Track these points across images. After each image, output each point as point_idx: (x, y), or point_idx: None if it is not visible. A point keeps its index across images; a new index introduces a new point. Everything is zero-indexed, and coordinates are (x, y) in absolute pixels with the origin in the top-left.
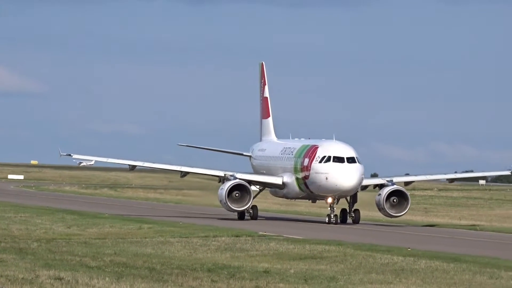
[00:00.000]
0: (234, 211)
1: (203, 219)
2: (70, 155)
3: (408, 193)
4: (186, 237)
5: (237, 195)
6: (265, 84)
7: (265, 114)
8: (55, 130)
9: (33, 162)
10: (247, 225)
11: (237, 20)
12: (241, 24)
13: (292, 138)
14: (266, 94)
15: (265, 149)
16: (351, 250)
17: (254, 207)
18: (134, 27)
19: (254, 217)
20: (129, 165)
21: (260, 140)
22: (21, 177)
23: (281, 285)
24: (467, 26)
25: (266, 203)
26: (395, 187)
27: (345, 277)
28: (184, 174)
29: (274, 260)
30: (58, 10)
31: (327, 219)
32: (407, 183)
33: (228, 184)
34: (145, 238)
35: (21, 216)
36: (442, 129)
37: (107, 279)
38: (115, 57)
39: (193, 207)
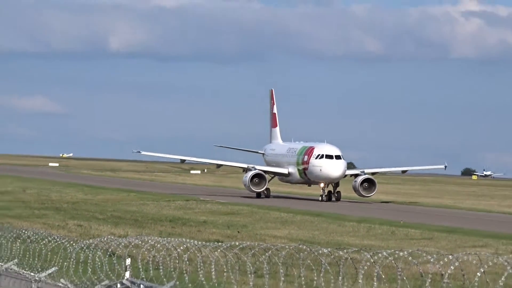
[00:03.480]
0: (254, 192)
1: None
2: (139, 152)
3: (376, 180)
4: (156, 201)
5: (256, 181)
6: (274, 104)
7: (273, 125)
8: None
9: (64, 155)
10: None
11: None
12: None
13: (294, 141)
14: (275, 110)
15: (275, 149)
16: (256, 209)
17: (267, 189)
18: None
19: (268, 196)
20: (180, 159)
21: (270, 142)
22: (57, 164)
23: (214, 229)
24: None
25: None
26: (366, 176)
27: (252, 225)
28: (219, 165)
29: (209, 214)
30: None
31: (320, 198)
32: (373, 173)
33: (250, 173)
34: (132, 201)
35: (56, 188)
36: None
37: (108, 226)
38: None
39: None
